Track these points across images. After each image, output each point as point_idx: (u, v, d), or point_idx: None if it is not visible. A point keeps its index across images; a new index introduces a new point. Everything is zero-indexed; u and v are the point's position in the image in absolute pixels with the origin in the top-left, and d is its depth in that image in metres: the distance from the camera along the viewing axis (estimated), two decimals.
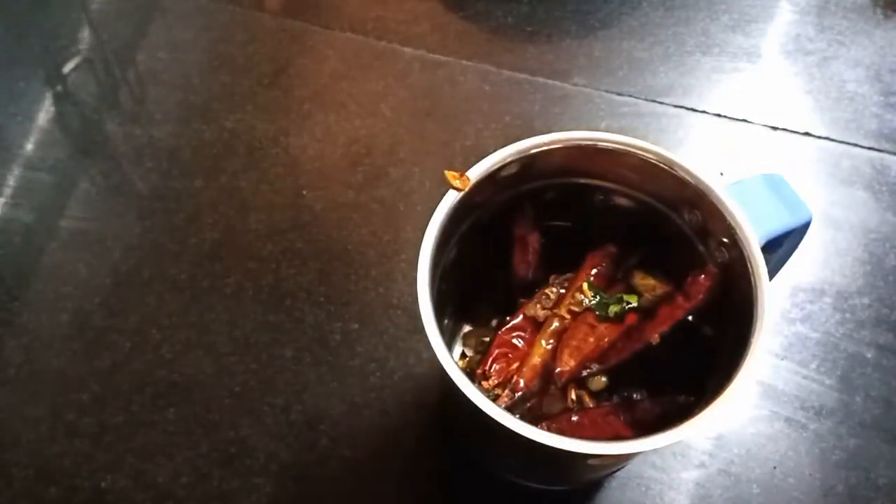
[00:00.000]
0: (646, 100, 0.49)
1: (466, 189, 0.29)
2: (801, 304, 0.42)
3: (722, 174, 0.45)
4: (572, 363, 0.30)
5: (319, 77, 0.50)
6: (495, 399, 0.30)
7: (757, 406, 0.39)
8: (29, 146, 0.48)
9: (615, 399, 0.32)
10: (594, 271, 0.32)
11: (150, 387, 0.39)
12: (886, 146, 0.47)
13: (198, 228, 0.44)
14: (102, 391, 0.39)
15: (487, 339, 0.34)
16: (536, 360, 0.30)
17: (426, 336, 0.26)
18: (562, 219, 0.34)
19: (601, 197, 0.33)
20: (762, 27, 0.52)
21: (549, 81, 0.49)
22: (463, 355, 0.36)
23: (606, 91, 0.49)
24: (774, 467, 0.37)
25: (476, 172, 0.29)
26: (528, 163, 0.30)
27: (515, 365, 0.31)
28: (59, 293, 0.42)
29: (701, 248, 0.30)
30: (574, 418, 0.30)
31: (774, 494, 0.37)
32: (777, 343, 0.40)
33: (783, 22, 0.52)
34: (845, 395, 0.39)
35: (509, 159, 0.30)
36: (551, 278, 0.33)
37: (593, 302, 0.31)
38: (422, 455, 0.38)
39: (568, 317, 0.31)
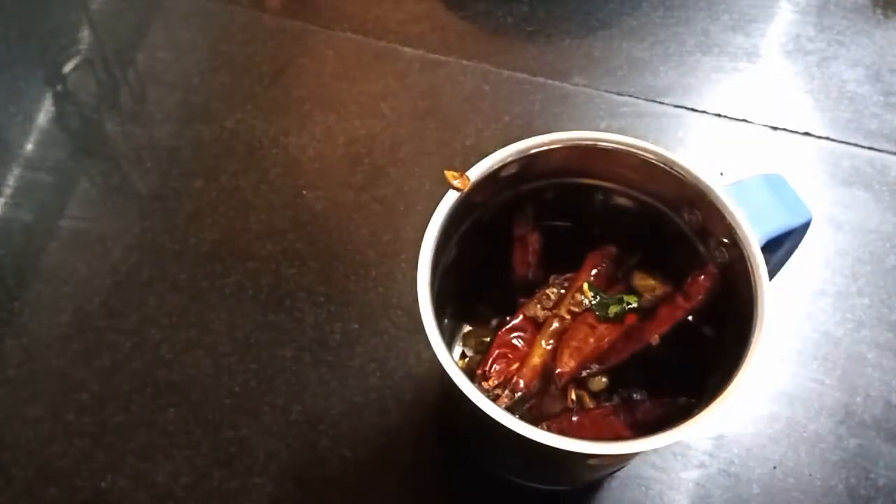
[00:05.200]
0: (646, 100, 0.49)
1: (466, 189, 0.29)
2: (801, 304, 0.42)
3: (722, 174, 0.45)
4: (572, 364, 0.30)
5: (319, 77, 0.50)
6: (495, 399, 0.30)
7: (757, 406, 0.39)
8: (29, 146, 0.48)
9: (615, 399, 0.32)
10: (594, 272, 0.32)
11: (150, 387, 0.39)
12: (886, 146, 0.47)
13: (198, 228, 0.44)
14: (102, 391, 0.39)
15: (487, 339, 0.34)
16: (536, 360, 0.30)
17: (426, 336, 0.26)
18: (562, 219, 0.34)
19: (601, 197, 0.33)
20: (762, 27, 0.52)
21: (549, 81, 0.49)
22: (463, 355, 0.36)
23: (606, 91, 0.49)
24: (774, 467, 0.37)
25: (476, 172, 0.29)
26: (528, 163, 0.30)
27: (515, 365, 0.31)
28: (59, 293, 0.42)
29: (701, 248, 0.30)
30: (574, 419, 0.30)
31: (774, 494, 0.37)
32: (777, 343, 0.40)
33: (783, 22, 0.52)
34: (845, 395, 0.39)
35: (509, 159, 0.30)
36: (551, 278, 0.33)
37: (593, 302, 0.31)
38: (422, 455, 0.38)
39: (568, 317, 0.31)
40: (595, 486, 0.37)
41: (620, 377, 0.31)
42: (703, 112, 0.48)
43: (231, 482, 0.37)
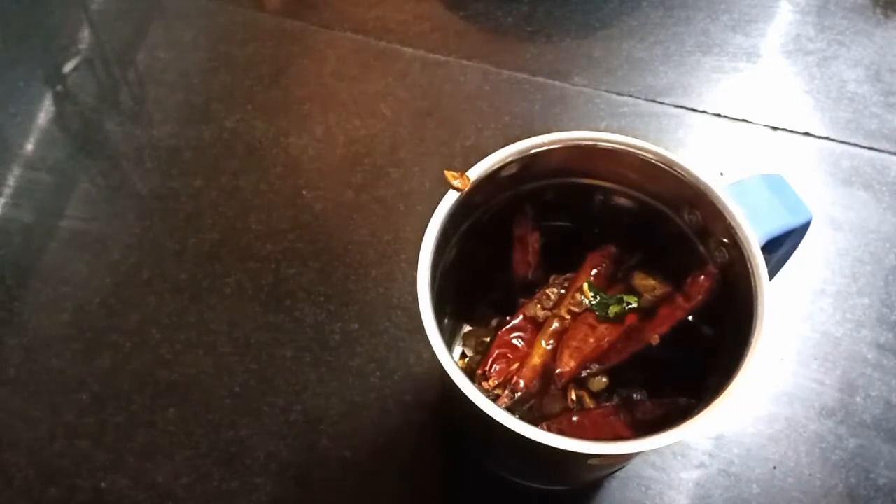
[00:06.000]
0: (646, 100, 0.49)
1: (466, 189, 0.29)
2: (801, 304, 0.42)
3: (722, 174, 0.45)
4: (572, 364, 0.30)
5: (319, 77, 0.50)
6: (495, 399, 0.30)
7: (757, 406, 0.39)
8: (29, 146, 0.48)
9: (615, 399, 0.32)
10: (594, 272, 0.32)
11: (150, 387, 0.39)
12: (886, 146, 0.47)
13: (198, 228, 0.44)
14: (102, 391, 0.39)
15: (487, 339, 0.34)
16: (536, 360, 0.30)
17: (426, 336, 0.26)
18: (562, 219, 0.34)
19: (601, 197, 0.33)
20: (762, 27, 0.52)
21: (549, 81, 0.49)
22: (463, 355, 0.36)
23: (606, 91, 0.49)
24: (774, 467, 0.37)
25: (476, 172, 0.29)
26: (528, 163, 0.30)
27: (515, 365, 0.31)
28: (59, 293, 0.42)
29: (701, 248, 0.30)
30: (574, 419, 0.30)
31: (774, 494, 0.37)
32: (777, 343, 0.40)
33: (783, 22, 0.52)
34: (845, 395, 0.39)
35: (509, 159, 0.30)
36: (551, 278, 0.33)
37: (593, 302, 0.31)
38: (422, 455, 0.38)
39: (568, 317, 0.31)
40: (595, 486, 0.37)
41: (620, 377, 0.31)
42: (703, 112, 0.48)
43: (231, 482, 0.37)
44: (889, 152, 0.47)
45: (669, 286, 0.31)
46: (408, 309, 0.41)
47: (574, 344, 0.30)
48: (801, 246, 0.32)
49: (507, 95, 0.49)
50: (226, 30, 0.52)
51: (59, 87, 0.51)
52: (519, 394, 0.30)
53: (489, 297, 0.36)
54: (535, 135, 0.30)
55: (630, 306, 0.31)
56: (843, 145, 0.47)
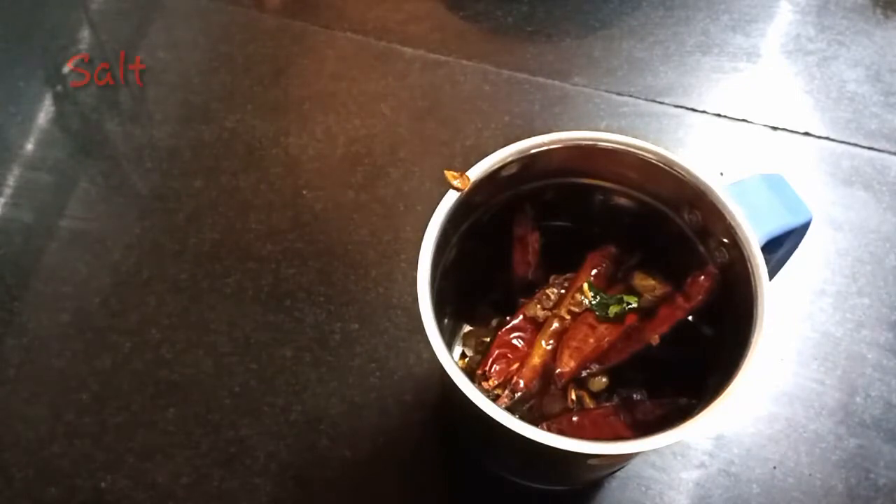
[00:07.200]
0: (646, 100, 0.49)
1: (466, 189, 0.29)
2: (801, 304, 0.42)
3: (722, 174, 0.45)
4: (572, 364, 0.30)
5: (319, 77, 0.50)
6: (495, 399, 0.30)
7: (757, 406, 0.39)
8: (29, 146, 0.48)
9: (615, 400, 0.32)
10: (594, 272, 0.32)
11: (150, 387, 0.39)
12: (886, 146, 0.47)
13: (198, 228, 0.44)
14: (102, 391, 0.39)
15: (487, 339, 0.34)
16: (536, 360, 0.30)
17: (426, 336, 0.26)
18: (562, 219, 0.34)
19: (601, 197, 0.33)
20: (762, 27, 0.52)
21: (549, 81, 0.49)
22: (463, 355, 0.36)
23: (606, 91, 0.49)
24: (774, 467, 0.37)
25: (476, 172, 0.29)
26: (528, 163, 0.30)
27: (515, 365, 0.31)
28: (59, 293, 0.42)
29: (701, 248, 0.30)
30: (574, 419, 0.30)
31: (774, 494, 0.37)
32: (777, 343, 0.40)
33: (783, 22, 0.52)
34: (845, 395, 0.39)
35: (509, 159, 0.30)
36: (551, 278, 0.33)
37: (593, 302, 0.31)
38: (422, 455, 0.38)
39: (568, 317, 0.31)
40: (595, 486, 0.37)
41: (620, 377, 0.31)
42: (703, 112, 0.48)
43: (231, 482, 0.37)
44: (889, 152, 0.47)
45: (669, 286, 0.31)
46: (408, 309, 0.41)
47: (574, 344, 0.30)
48: (801, 246, 0.32)
49: (507, 95, 0.49)
50: (226, 30, 0.52)
51: (59, 87, 0.51)
52: (519, 394, 0.30)
53: (489, 297, 0.36)
54: (535, 135, 0.30)
55: (630, 306, 0.31)
56: (843, 145, 0.47)
